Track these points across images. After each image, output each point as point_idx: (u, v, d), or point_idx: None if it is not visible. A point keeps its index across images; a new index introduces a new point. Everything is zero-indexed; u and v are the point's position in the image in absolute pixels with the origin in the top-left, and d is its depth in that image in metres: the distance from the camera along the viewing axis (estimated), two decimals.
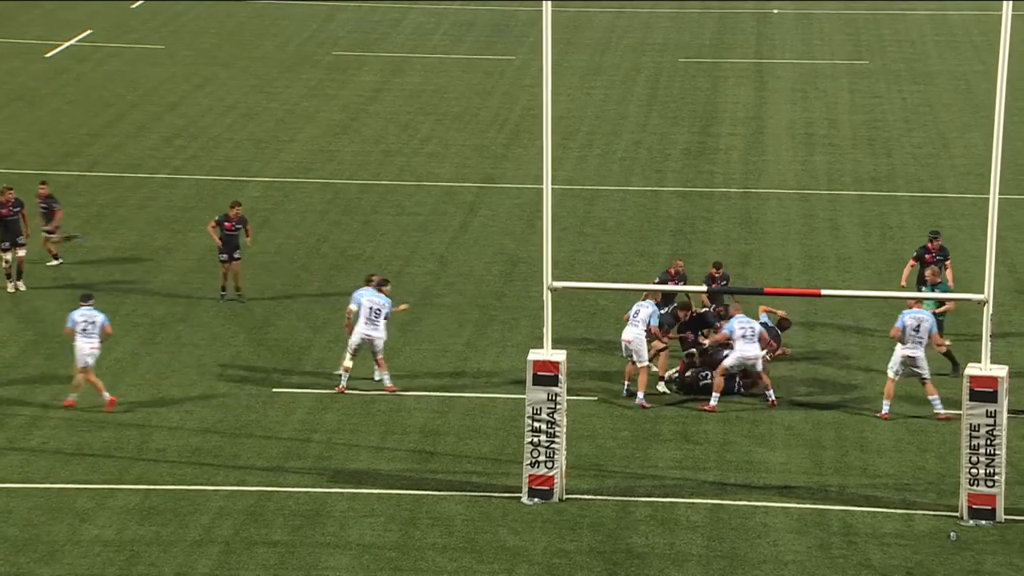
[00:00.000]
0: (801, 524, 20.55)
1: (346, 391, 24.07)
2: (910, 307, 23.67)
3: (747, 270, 29.91)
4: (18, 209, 27.82)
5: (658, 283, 25.38)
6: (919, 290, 25.75)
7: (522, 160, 36.61)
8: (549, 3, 20.41)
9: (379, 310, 23.84)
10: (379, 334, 23.84)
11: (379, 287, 24.25)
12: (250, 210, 33.38)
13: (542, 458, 20.94)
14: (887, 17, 51.12)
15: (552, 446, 20.92)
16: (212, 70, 44.56)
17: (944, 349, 24.34)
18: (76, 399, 23.66)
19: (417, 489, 21.38)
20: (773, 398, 23.95)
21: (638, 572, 19.42)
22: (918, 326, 23.32)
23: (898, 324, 23.43)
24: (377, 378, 24.26)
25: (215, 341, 26.37)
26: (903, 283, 26.35)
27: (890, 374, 23.56)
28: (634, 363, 23.86)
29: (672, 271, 25.64)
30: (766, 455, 22.51)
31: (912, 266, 26.37)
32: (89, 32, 48.20)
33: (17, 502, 20.89)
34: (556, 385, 20.90)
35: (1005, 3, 19.86)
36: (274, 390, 24.56)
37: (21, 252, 27.86)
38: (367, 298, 24.00)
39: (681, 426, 23.40)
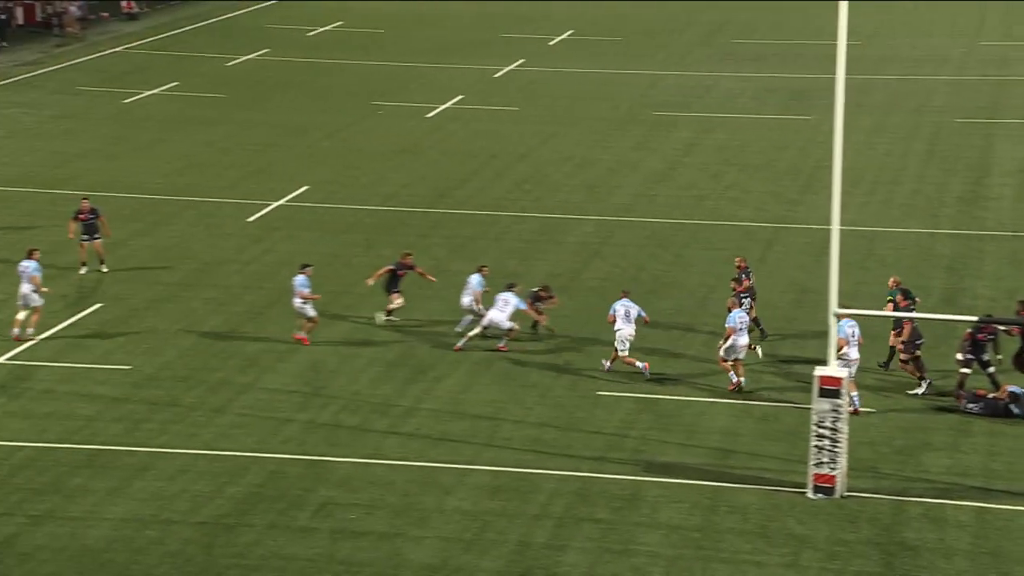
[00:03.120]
0: None
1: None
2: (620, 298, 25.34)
3: (1013, 303, 28.62)
4: (94, 216, 30.26)
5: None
6: None
7: (812, 205, 36.00)
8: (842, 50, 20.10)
9: (23, 272, 26.64)
10: (25, 291, 26.40)
11: (30, 256, 26.72)
12: (583, 244, 33.96)
13: (825, 459, 20.62)
14: None
15: (835, 449, 20.58)
16: (555, 128, 45.42)
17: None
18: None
19: (717, 481, 21.36)
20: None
21: (911, 563, 18.92)
22: (627, 312, 25.21)
23: (611, 312, 25.32)
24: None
25: (556, 350, 26.84)
26: None
27: (619, 348, 25.04)
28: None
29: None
30: None
31: None
32: (461, 97, 49.85)
33: (397, 475, 21.84)
34: (838, 397, 20.57)
35: None
36: (598, 393, 24.91)
37: (98, 243, 30.20)
38: (25, 265, 26.59)
39: (952, 438, 22.61)
